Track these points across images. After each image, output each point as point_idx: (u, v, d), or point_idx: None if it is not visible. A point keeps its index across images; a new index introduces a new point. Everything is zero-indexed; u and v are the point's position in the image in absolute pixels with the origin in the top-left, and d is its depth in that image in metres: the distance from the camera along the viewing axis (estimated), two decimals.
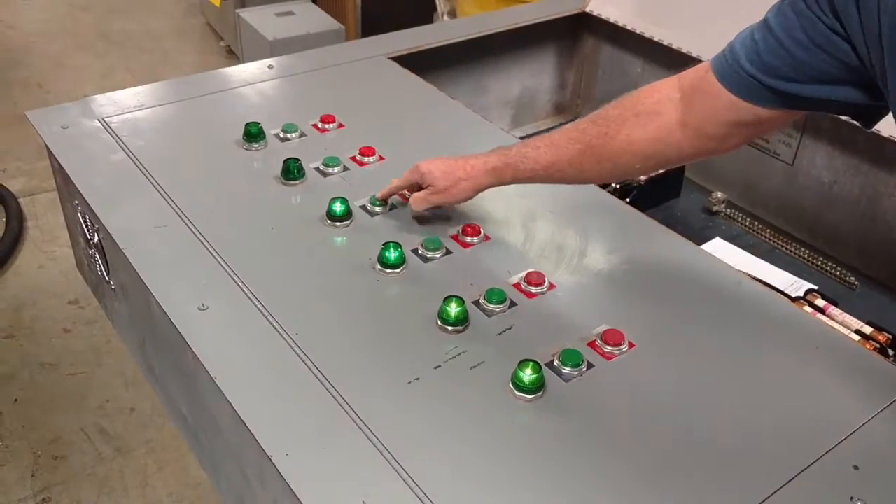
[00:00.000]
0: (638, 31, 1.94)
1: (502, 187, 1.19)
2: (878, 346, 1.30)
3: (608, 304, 1.13)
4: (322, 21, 3.66)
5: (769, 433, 0.94)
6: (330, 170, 1.37)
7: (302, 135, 1.48)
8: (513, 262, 1.18)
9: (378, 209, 1.28)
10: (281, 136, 1.47)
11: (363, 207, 1.28)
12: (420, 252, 1.18)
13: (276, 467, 0.86)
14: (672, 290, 1.16)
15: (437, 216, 1.27)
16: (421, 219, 1.26)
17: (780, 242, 1.66)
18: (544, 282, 1.13)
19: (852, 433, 0.93)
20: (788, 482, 0.87)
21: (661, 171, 1.22)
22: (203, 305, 1.07)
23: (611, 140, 1.05)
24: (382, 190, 1.28)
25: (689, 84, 1.01)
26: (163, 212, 1.25)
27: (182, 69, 4.20)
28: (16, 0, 4.89)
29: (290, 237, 1.23)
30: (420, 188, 1.22)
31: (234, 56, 4.19)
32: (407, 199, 1.26)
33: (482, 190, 1.19)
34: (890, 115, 0.88)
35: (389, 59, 1.78)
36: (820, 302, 1.41)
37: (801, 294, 1.44)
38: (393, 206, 1.29)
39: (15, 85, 3.99)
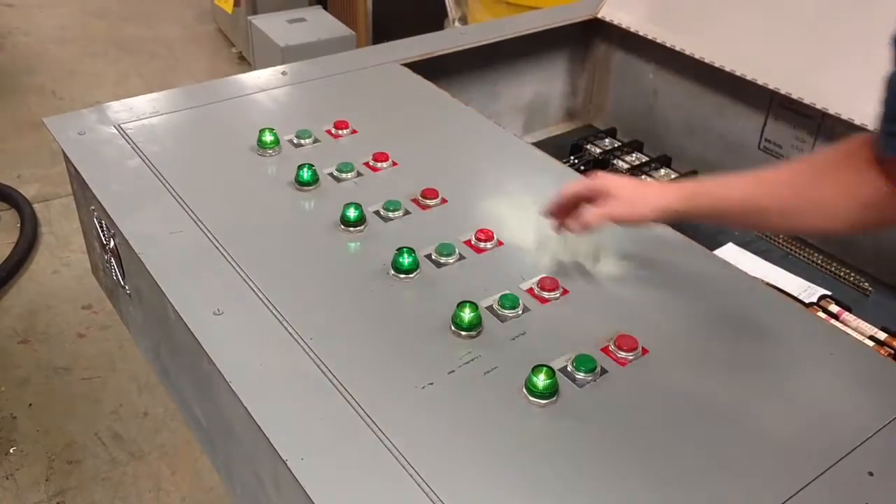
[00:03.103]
0: (650, 37, 1.94)
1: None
2: (892, 351, 1.30)
3: (621, 309, 1.13)
4: (333, 27, 3.68)
5: (783, 439, 0.93)
6: (344, 175, 1.38)
7: (316, 141, 1.48)
8: (526, 268, 1.19)
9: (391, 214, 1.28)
10: (295, 142, 1.48)
11: (377, 213, 1.29)
12: (433, 257, 1.19)
13: (291, 472, 0.86)
14: (685, 296, 1.16)
15: (449, 221, 1.28)
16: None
17: (793, 248, 1.65)
18: (557, 287, 1.13)
19: (867, 439, 0.93)
20: (803, 488, 0.87)
21: None
22: (218, 310, 1.08)
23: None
24: (554, 200, 1.14)
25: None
26: (178, 217, 1.26)
27: (194, 76, 4.23)
28: (31, 8, 4.93)
29: (305, 243, 1.23)
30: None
31: (245, 62, 4.22)
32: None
33: (669, 213, 1.05)
34: None
35: (402, 65, 1.79)
36: (833, 308, 1.40)
37: (814, 300, 1.43)
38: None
39: (29, 91, 4.03)
